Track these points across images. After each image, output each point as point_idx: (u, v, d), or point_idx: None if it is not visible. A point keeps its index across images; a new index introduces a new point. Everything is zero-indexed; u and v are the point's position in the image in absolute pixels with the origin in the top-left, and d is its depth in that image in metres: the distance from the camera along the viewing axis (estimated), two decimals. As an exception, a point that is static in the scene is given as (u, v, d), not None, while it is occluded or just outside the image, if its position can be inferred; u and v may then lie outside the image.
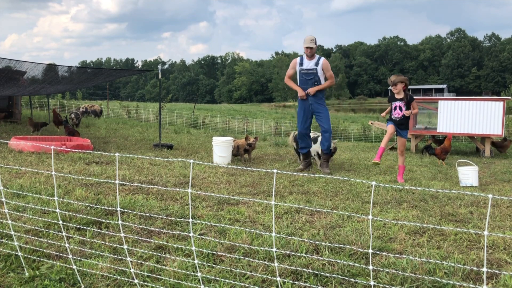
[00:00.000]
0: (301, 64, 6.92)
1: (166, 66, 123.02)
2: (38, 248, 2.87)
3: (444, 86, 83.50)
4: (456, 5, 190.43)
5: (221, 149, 7.71)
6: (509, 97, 11.67)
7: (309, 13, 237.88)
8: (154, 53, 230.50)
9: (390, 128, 6.42)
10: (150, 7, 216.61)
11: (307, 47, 6.80)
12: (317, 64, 6.83)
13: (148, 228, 3.41)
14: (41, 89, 12.59)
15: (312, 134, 7.44)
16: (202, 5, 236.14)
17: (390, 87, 6.52)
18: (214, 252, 2.90)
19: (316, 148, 7.31)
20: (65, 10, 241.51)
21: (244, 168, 2.28)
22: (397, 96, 6.36)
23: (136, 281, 2.40)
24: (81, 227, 3.30)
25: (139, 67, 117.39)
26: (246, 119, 22.43)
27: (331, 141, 7.02)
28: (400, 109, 6.33)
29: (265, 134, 18.29)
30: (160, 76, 10.35)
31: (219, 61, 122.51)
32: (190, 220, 2.15)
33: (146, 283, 2.43)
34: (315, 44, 6.83)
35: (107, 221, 3.50)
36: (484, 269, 1.70)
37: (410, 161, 8.96)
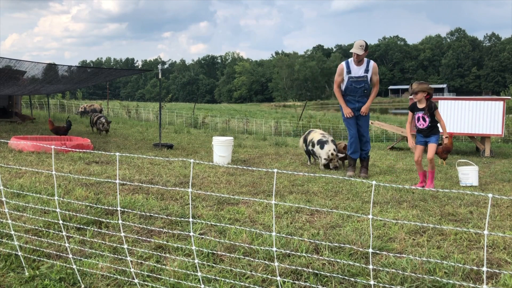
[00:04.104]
0: (348, 71, 6.54)
1: (166, 66, 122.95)
2: (38, 248, 2.87)
3: (444, 85, 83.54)
4: (456, 5, 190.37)
5: (221, 148, 7.71)
6: (509, 97, 11.67)
7: (309, 13, 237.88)
8: (154, 53, 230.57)
9: (416, 152, 5.98)
10: (151, 7, 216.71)
11: (354, 53, 6.44)
12: (366, 71, 6.51)
13: (148, 227, 3.41)
14: (41, 88, 12.60)
15: (321, 137, 7.50)
16: (203, 5, 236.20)
17: (410, 96, 6.00)
18: (214, 252, 2.90)
19: (320, 152, 7.36)
20: (66, 10, 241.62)
21: (244, 167, 2.28)
22: (419, 106, 5.87)
23: (136, 280, 2.40)
24: (81, 226, 3.30)
25: (139, 67, 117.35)
26: (246, 119, 22.43)
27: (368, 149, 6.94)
28: (424, 119, 5.84)
29: (265, 134, 18.29)
30: (160, 76, 10.35)
31: (219, 60, 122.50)
32: (190, 219, 2.15)
33: (146, 283, 2.43)
34: (364, 50, 6.41)
35: (107, 220, 3.50)
36: (484, 269, 1.70)
37: (410, 161, 8.95)
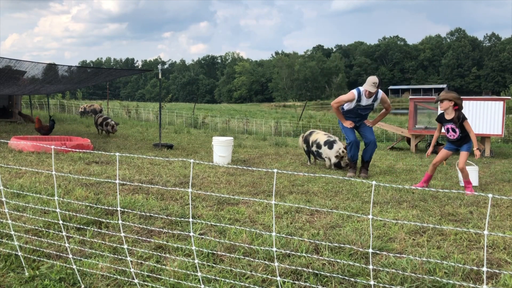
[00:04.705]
0: (359, 101, 6.65)
1: (166, 66, 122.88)
2: (38, 248, 2.87)
3: (444, 86, 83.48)
4: (456, 5, 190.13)
5: (221, 148, 7.71)
6: (509, 97, 11.66)
7: (309, 13, 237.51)
8: (155, 53, 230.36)
9: (440, 154, 5.91)
10: (151, 7, 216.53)
11: (366, 90, 6.55)
12: (375, 100, 6.68)
13: (148, 228, 3.41)
14: (41, 88, 12.59)
15: (327, 138, 7.53)
16: (203, 5, 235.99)
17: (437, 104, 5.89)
18: (214, 252, 2.90)
19: (329, 153, 7.38)
20: (66, 10, 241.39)
21: (244, 168, 2.28)
22: (446, 117, 5.74)
23: (136, 280, 2.40)
24: (81, 226, 3.30)
25: (139, 67, 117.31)
26: (246, 119, 22.44)
27: (374, 151, 6.98)
28: (454, 131, 5.73)
29: (265, 134, 18.29)
30: (160, 76, 10.35)
31: (219, 60, 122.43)
32: (190, 219, 2.15)
33: (146, 283, 2.43)
34: (377, 87, 6.49)
35: (107, 221, 3.50)
36: (484, 269, 1.70)
37: (410, 161, 8.96)
